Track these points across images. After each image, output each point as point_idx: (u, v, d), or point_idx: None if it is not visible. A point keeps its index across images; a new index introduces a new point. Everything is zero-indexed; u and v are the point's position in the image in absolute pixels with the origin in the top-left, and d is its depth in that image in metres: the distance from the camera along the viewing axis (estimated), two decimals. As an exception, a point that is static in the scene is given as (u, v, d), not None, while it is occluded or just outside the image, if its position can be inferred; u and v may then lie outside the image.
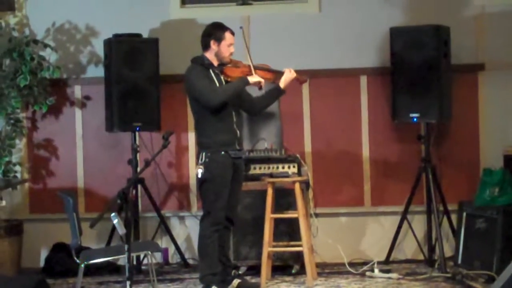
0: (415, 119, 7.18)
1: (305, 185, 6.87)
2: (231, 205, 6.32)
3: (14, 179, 7.45)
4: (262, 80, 6.31)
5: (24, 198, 7.79)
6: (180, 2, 7.83)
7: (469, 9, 7.58)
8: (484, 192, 6.76)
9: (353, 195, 7.61)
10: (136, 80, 7.33)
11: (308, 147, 7.65)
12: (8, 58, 7.39)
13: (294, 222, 6.74)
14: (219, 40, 6.27)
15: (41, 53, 7.49)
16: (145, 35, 7.58)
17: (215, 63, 6.32)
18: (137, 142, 7.41)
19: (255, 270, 6.91)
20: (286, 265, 7.04)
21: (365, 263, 7.18)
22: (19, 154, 7.73)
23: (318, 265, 7.09)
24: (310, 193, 7.02)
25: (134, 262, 7.19)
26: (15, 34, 7.57)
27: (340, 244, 7.24)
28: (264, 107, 6.64)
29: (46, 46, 7.49)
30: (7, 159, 7.40)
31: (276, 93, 6.48)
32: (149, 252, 6.07)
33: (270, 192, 6.60)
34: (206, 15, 7.72)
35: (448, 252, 7.21)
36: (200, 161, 6.22)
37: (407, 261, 7.42)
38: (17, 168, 7.56)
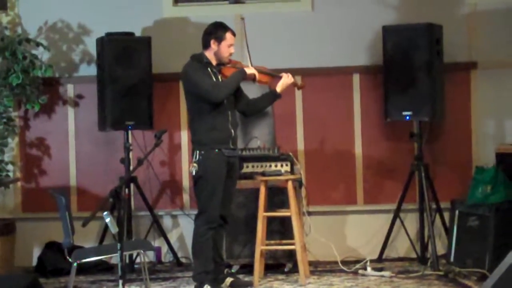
0: (407, 117, 7.19)
1: (298, 183, 6.86)
2: (225, 204, 6.32)
3: (6, 178, 7.43)
4: (257, 73, 6.32)
5: (16, 197, 7.78)
6: (173, 1, 7.83)
7: (461, 7, 7.59)
8: (477, 190, 6.77)
9: (345, 193, 7.61)
10: (128, 78, 7.32)
11: (301, 146, 7.65)
12: (0, 57, 7.36)
13: (287, 220, 6.75)
14: (219, 39, 6.27)
15: (34, 51, 7.48)
16: (137, 33, 7.57)
17: (214, 62, 6.32)
18: (130, 140, 7.40)
19: (247, 268, 6.91)
20: (279, 264, 7.05)
21: (357, 261, 7.19)
22: (11, 153, 7.72)
23: (311, 264, 7.10)
24: (303, 192, 7.03)
25: (127, 261, 7.17)
26: (8, 32, 7.57)
27: (333, 242, 7.24)
28: (259, 110, 6.66)
29: (38, 44, 7.48)
30: (-1, 158, 7.40)
31: (272, 97, 6.49)
32: (142, 251, 6.07)
33: (262, 190, 6.60)
34: (198, 13, 7.73)
35: (441, 250, 7.22)
36: (194, 159, 6.22)
37: (400, 259, 7.44)
38: (10, 167, 7.54)
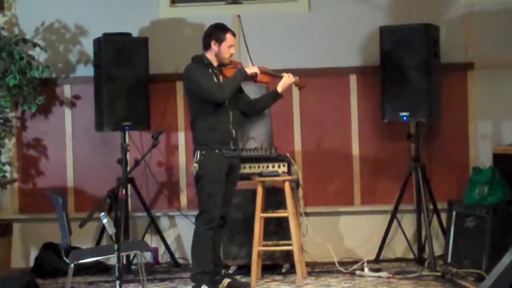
0: (404, 118, 7.19)
1: (295, 184, 6.88)
2: (225, 204, 6.33)
3: (3, 179, 7.43)
4: (258, 71, 6.33)
5: (13, 197, 7.77)
6: (170, 1, 7.82)
7: (458, 8, 7.59)
8: (474, 191, 6.78)
9: (343, 194, 7.61)
10: (125, 79, 7.31)
11: (298, 146, 7.65)
12: (-3, 58, 7.38)
13: (284, 221, 6.75)
14: (220, 41, 6.29)
15: (31, 52, 7.47)
16: (134, 34, 7.56)
17: (215, 63, 6.34)
18: (127, 141, 7.41)
19: (245, 269, 6.91)
20: (276, 264, 7.05)
21: (355, 262, 7.19)
22: (8, 153, 7.71)
23: (308, 264, 7.09)
24: (300, 192, 7.03)
25: (124, 262, 7.17)
26: (4, 33, 7.54)
27: (330, 243, 7.24)
28: (260, 110, 6.70)
29: (35, 45, 7.47)
30: (-4, 159, 7.40)
31: (273, 97, 6.51)
32: (139, 252, 6.07)
33: (260, 191, 6.60)
34: (195, 14, 7.73)
35: (438, 251, 7.23)
36: (195, 159, 6.24)
37: (397, 260, 7.43)
38: (7, 167, 7.53)
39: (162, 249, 7.60)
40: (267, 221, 6.82)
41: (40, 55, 7.56)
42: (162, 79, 7.62)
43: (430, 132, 7.46)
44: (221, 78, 6.33)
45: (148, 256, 7.52)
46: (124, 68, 7.31)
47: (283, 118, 7.53)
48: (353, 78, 7.65)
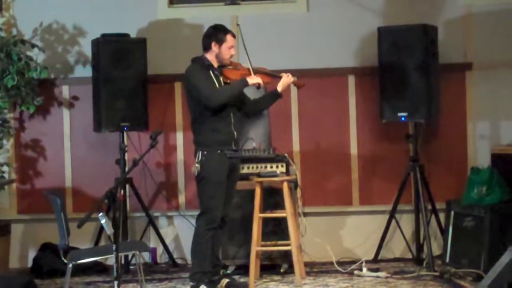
0: (403, 119, 7.19)
1: (293, 184, 6.87)
2: (225, 204, 6.33)
3: (1, 179, 7.42)
4: (261, 81, 6.34)
5: (11, 198, 7.76)
6: (168, 2, 7.82)
7: (456, 8, 7.60)
8: (472, 191, 6.78)
9: (341, 194, 7.62)
10: (124, 80, 7.31)
11: (296, 147, 7.65)
12: (-5, 58, 7.37)
13: (283, 221, 6.75)
14: (220, 42, 6.31)
15: (29, 53, 7.46)
16: (133, 35, 7.56)
17: (215, 64, 6.35)
18: (125, 142, 7.41)
19: (243, 269, 6.91)
20: (275, 265, 7.05)
21: (353, 262, 7.19)
22: (7, 154, 7.71)
23: (306, 264, 7.09)
24: (298, 192, 7.02)
25: (122, 262, 7.17)
26: (3, 34, 7.54)
27: (329, 243, 7.24)
28: (260, 110, 6.75)
29: (33, 46, 7.47)
30: (-6, 159, 7.40)
31: (273, 97, 6.53)
32: (137, 252, 6.07)
33: (258, 191, 6.60)
34: (194, 15, 7.73)
35: (436, 251, 7.23)
36: (196, 159, 6.25)
37: (395, 259, 7.44)
38: (5, 168, 7.53)
39: (160, 249, 7.60)
40: (265, 221, 6.81)
41: (38, 56, 7.56)
42: (160, 79, 7.62)
43: (429, 133, 7.46)
44: (221, 79, 6.34)
45: (146, 256, 7.51)
46: (123, 68, 7.31)
47: (281, 119, 7.54)
48: (351, 79, 7.65)
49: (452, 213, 6.95)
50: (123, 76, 7.31)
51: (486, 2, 7.58)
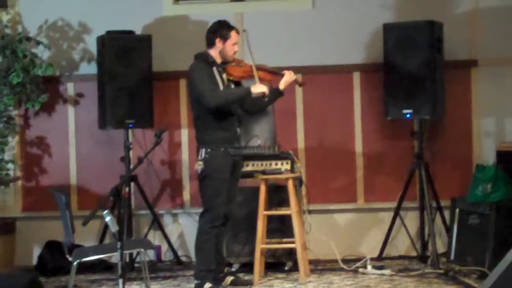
0: (408, 116, 7.18)
1: (298, 181, 6.86)
2: (228, 202, 6.33)
3: (6, 176, 7.43)
4: (266, 90, 6.31)
5: (16, 196, 7.77)
6: (173, -1, 7.83)
7: (462, 5, 7.58)
8: (477, 188, 6.77)
9: (346, 191, 7.61)
10: (129, 77, 7.31)
11: (301, 144, 7.65)
12: (1, 56, 7.36)
13: (287, 218, 6.74)
14: (224, 38, 6.30)
15: (34, 50, 7.47)
16: (138, 32, 7.56)
17: (219, 60, 6.34)
18: (130, 139, 7.40)
19: (248, 267, 6.90)
20: (279, 262, 7.04)
21: (358, 260, 7.17)
22: (12, 151, 7.71)
23: (311, 262, 7.09)
24: (303, 190, 7.01)
25: (127, 260, 7.16)
26: (8, 31, 7.55)
27: (333, 240, 7.23)
28: (262, 108, 6.73)
29: (38, 43, 7.47)
30: (-1, 156, 7.40)
31: (275, 94, 6.50)
32: (142, 250, 6.06)
33: (263, 189, 6.60)
34: (199, 11, 7.73)
35: (441, 248, 7.22)
36: (199, 157, 6.24)
37: (400, 257, 7.43)
38: (10, 165, 7.54)
39: (165, 247, 7.60)
40: (270, 219, 6.80)
41: (43, 53, 7.56)
42: (165, 76, 7.61)
43: (434, 130, 7.45)
44: (224, 75, 6.33)
45: (151, 254, 7.51)
46: (128, 65, 7.31)
47: (286, 116, 7.52)
48: (356, 76, 7.63)
49: (457, 210, 6.93)
50: (128, 73, 7.31)
51: (492, -1, 7.57)
